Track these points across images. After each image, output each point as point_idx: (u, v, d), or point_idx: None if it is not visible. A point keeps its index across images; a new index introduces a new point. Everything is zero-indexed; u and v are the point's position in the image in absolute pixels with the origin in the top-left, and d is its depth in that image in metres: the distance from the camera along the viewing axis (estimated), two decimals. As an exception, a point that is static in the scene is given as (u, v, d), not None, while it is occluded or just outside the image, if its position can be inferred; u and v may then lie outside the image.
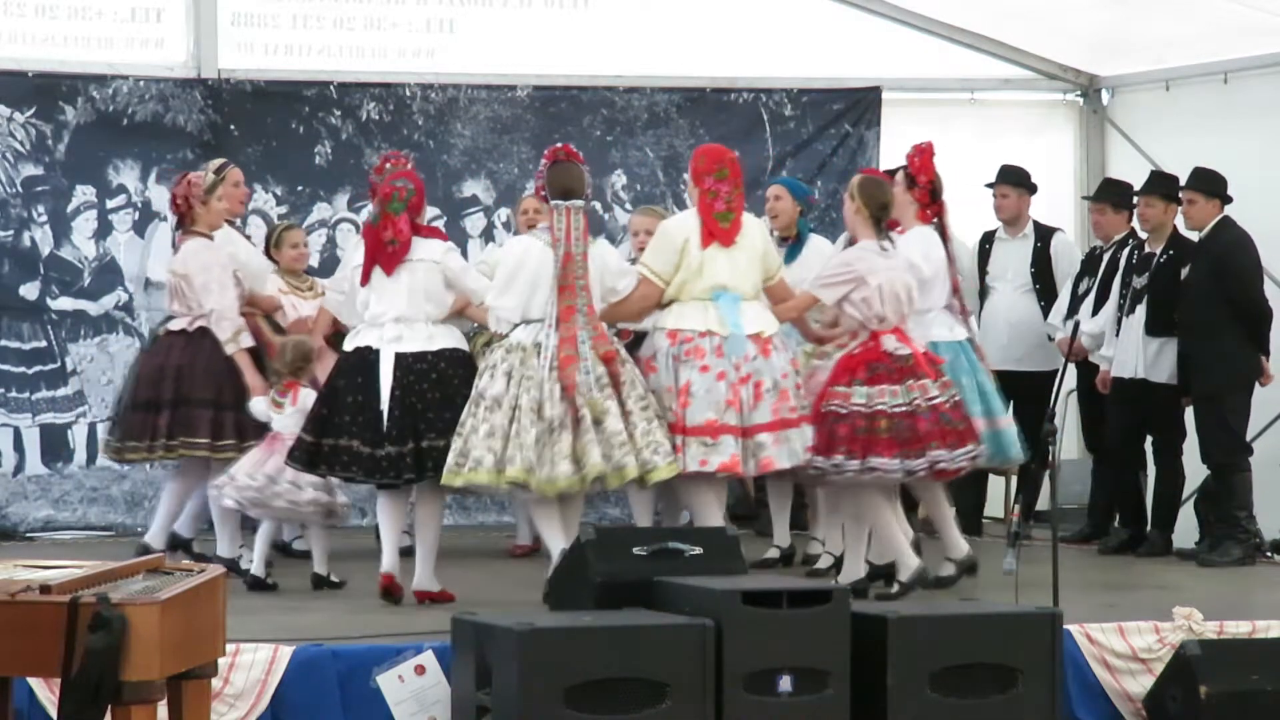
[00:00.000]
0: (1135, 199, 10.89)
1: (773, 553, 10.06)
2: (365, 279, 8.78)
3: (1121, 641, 7.88)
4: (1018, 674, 7.05)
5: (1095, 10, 12.06)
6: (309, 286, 10.39)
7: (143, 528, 11.15)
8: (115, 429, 9.79)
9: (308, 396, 8.99)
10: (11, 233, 11.73)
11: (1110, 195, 11.22)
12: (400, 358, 8.65)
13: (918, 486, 9.08)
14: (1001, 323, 11.39)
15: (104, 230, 11.85)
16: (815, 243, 10.20)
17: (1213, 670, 7.58)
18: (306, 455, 8.71)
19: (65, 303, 11.80)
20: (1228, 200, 10.39)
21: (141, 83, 11.87)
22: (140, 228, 11.90)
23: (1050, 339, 11.18)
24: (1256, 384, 10.42)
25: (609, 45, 12.54)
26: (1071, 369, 10.61)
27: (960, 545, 9.09)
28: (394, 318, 8.71)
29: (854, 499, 8.93)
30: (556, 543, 8.47)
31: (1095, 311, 10.84)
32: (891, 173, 9.87)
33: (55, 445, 11.77)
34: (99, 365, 11.82)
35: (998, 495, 11.97)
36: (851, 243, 9.17)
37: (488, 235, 12.31)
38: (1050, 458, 8.14)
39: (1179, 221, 10.59)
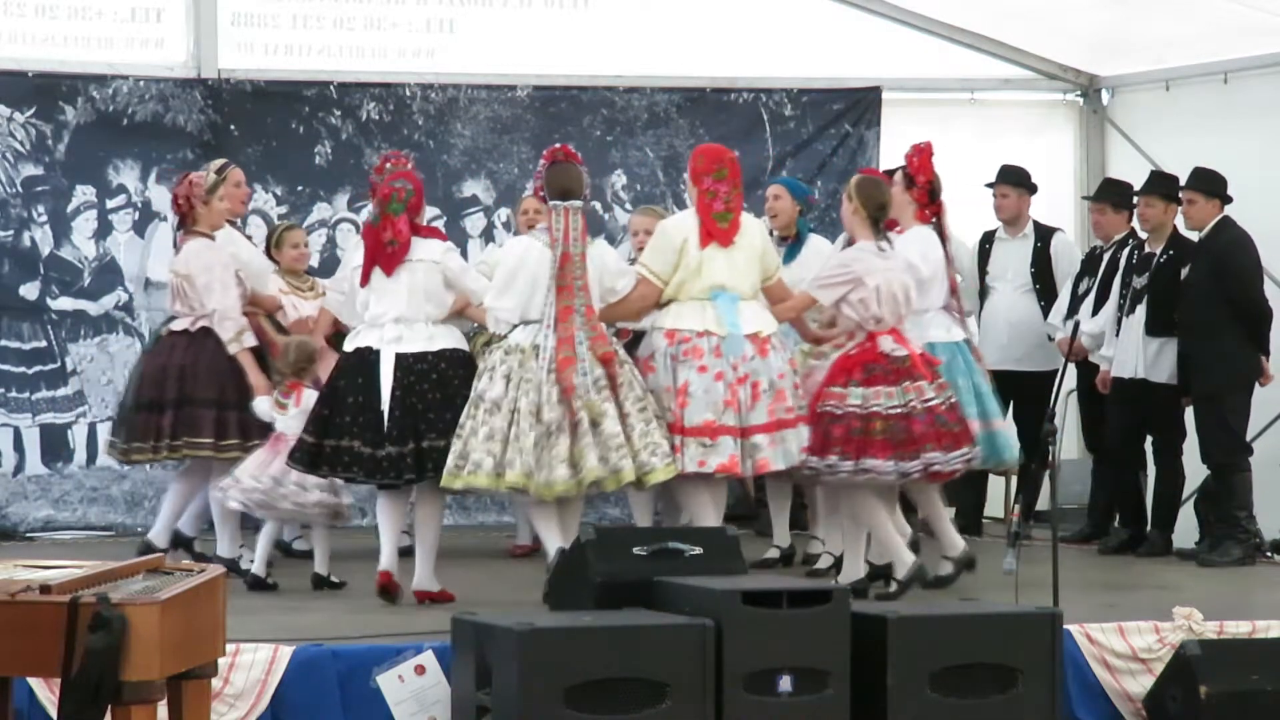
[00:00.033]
0: (1135, 199, 10.89)
1: (773, 553, 10.06)
2: (365, 280, 8.78)
3: (1121, 641, 7.88)
4: (1018, 674, 7.05)
5: (1095, 10, 12.06)
6: (309, 286, 10.39)
7: (143, 527, 11.16)
8: (120, 431, 9.78)
9: (311, 397, 9.00)
10: (11, 233, 11.73)
11: (1110, 195, 11.22)
12: (401, 358, 8.66)
13: (912, 488, 9.08)
14: (1001, 323, 11.39)
15: (104, 230, 11.85)
16: (814, 243, 10.20)
17: (1213, 670, 7.58)
18: (308, 456, 8.72)
19: (65, 303, 11.80)
20: (1228, 200, 10.39)
21: (141, 83, 11.87)
22: (140, 228, 11.90)
23: (1050, 339, 11.19)
24: (1256, 384, 10.42)
25: (609, 45, 12.54)
26: (1071, 369, 10.61)
27: (957, 543, 9.09)
28: (394, 318, 8.71)
29: (850, 499, 8.93)
30: (554, 543, 8.48)
31: (1095, 311, 10.84)
32: (890, 173, 9.87)
33: (55, 445, 11.77)
34: (99, 365, 11.82)
35: (998, 495, 11.97)
36: (850, 243, 9.17)
37: (488, 235, 12.31)
38: (1050, 458, 8.14)
39: (1179, 221, 10.59)
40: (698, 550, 7.51)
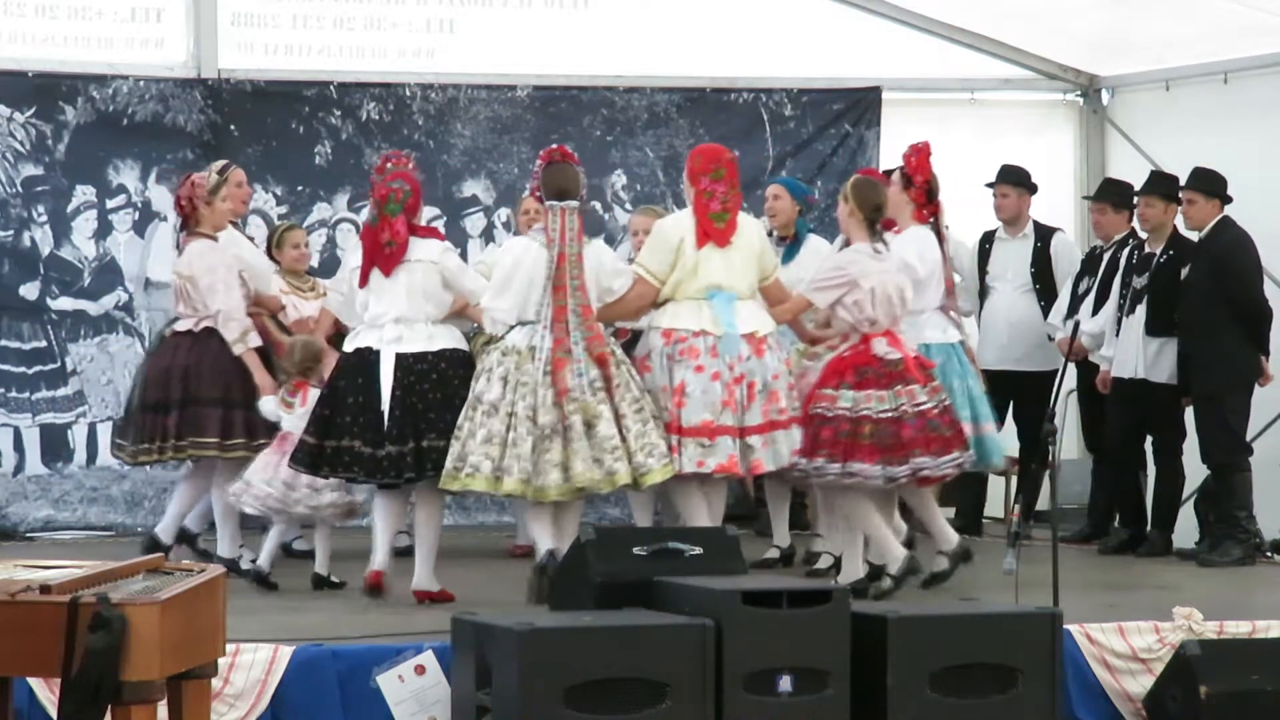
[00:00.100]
0: (1135, 199, 10.89)
1: (773, 553, 10.06)
2: (364, 280, 8.79)
3: (1121, 641, 7.88)
4: (1018, 674, 7.05)
5: (1095, 10, 12.06)
6: (310, 287, 10.39)
7: (143, 527, 11.18)
8: (126, 433, 9.77)
9: (316, 396, 9.01)
10: (11, 233, 11.73)
11: (1110, 195, 11.22)
12: (401, 358, 8.66)
13: (903, 489, 9.07)
14: (1001, 323, 11.40)
15: (104, 230, 11.85)
16: (813, 243, 10.20)
17: (1213, 670, 7.58)
18: (309, 457, 8.73)
19: (65, 303, 11.80)
20: (1228, 200, 10.39)
21: (141, 83, 11.87)
22: (140, 228, 11.90)
23: (1050, 339, 11.18)
24: (1256, 384, 10.42)
25: (609, 45, 12.54)
26: (1071, 369, 10.61)
27: (950, 537, 9.08)
28: (394, 318, 8.72)
29: (841, 499, 8.94)
30: (545, 543, 8.52)
31: (1095, 311, 10.84)
32: (889, 173, 9.87)
33: (55, 445, 11.77)
34: (99, 365, 11.82)
35: (998, 495, 11.97)
36: (847, 244, 9.17)
37: (488, 235, 12.31)
38: (1050, 458, 8.14)
39: (1179, 221, 10.59)
40: (698, 550, 7.50)
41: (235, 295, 9.56)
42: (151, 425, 9.50)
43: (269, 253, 10.46)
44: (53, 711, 6.64)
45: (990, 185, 11.51)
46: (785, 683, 6.81)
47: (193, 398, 9.45)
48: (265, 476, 9.06)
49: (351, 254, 9.11)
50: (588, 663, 6.62)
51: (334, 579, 9.13)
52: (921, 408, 8.77)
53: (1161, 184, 10.74)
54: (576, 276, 8.58)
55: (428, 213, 11.40)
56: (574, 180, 8.73)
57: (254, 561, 9.47)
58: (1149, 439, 10.84)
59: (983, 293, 11.49)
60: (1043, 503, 10.64)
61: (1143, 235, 10.86)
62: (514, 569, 10.05)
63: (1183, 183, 10.50)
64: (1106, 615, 8.13)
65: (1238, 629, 8.00)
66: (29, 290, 11.76)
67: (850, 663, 6.88)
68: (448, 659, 7.15)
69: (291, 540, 10.34)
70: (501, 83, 12.40)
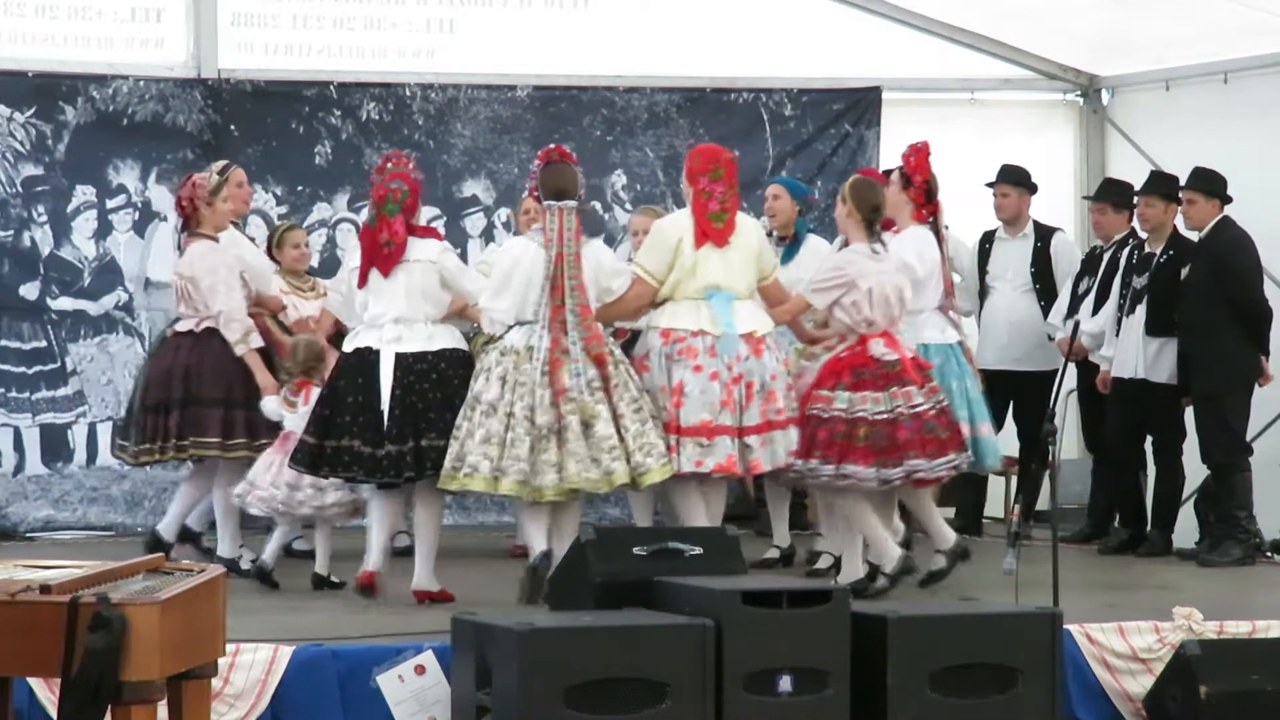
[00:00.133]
0: (1135, 199, 10.89)
1: (773, 553, 10.06)
2: (362, 281, 8.80)
3: (1121, 641, 7.88)
4: (1018, 674, 7.05)
5: (1095, 10, 12.06)
6: (310, 287, 10.40)
7: (143, 527, 11.18)
8: (128, 434, 9.77)
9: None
10: (11, 233, 11.73)
11: (1110, 195, 11.22)
12: (400, 358, 8.67)
13: (900, 491, 9.06)
14: (1001, 322, 11.40)
15: (104, 230, 11.85)
16: (813, 243, 10.20)
17: (1213, 670, 7.58)
18: (309, 457, 8.74)
19: (65, 303, 11.80)
20: (1228, 200, 10.39)
21: (141, 83, 11.87)
22: (140, 228, 11.90)
23: (1050, 339, 11.18)
24: (1256, 384, 10.42)
25: (609, 45, 12.54)
26: (1071, 369, 10.61)
27: (947, 536, 9.08)
28: (393, 318, 8.72)
29: (838, 498, 8.93)
30: (538, 544, 8.53)
31: (1095, 311, 10.84)
32: (889, 173, 9.87)
33: (55, 445, 11.77)
34: (99, 365, 11.82)
35: (998, 495, 11.97)
36: (847, 244, 9.18)
37: (488, 235, 12.31)
38: (1050, 458, 8.14)
39: (1179, 221, 10.59)
40: (698, 550, 7.50)
41: (236, 296, 9.56)
42: (153, 425, 9.51)
43: (269, 253, 10.46)
44: (53, 711, 6.64)
45: (990, 185, 11.51)
46: (785, 683, 6.81)
47: (194, 398, 9.45)
48: (269, 478, 9.08)
49: (351, 254, 9.11)
50: (588, 663, 6.62)
51: (334, 579, 9.13)
52: (917, 409, 8.77)
53: (1161, 184, 10.74)
54: (574, 276, 8.58)
55: (428, 213, 11.41)
56: (572, 180, 8.73)
57: (254, 561, 9.48)
58: (1149, 439, 10.84)
59: (983, 292, 11.49)
60: (1043, 503, 10.64)
61: (1143, 235, 10.86)
62: (514, 569, 10.02)
63: (1183, 183, 10.50)
64: (1106, 615, 8.13)
65: (1238, 629, 8.00)
66: (29, 290, 11.76)
67: (850, 663, 6.88)
68: (448, 659, 7.15)
69: (291, 540, 10.33)
70: (501, 83, 12.40)
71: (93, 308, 11.83)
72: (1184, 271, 10.43)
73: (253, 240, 10.56)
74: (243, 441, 9.40)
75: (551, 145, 9.00)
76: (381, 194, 8.81)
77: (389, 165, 9.14)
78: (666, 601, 7.08)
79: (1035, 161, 11.97)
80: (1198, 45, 11.99)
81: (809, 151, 12.68)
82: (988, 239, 11.55)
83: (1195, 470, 10.60)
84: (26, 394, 11.73)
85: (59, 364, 11.78)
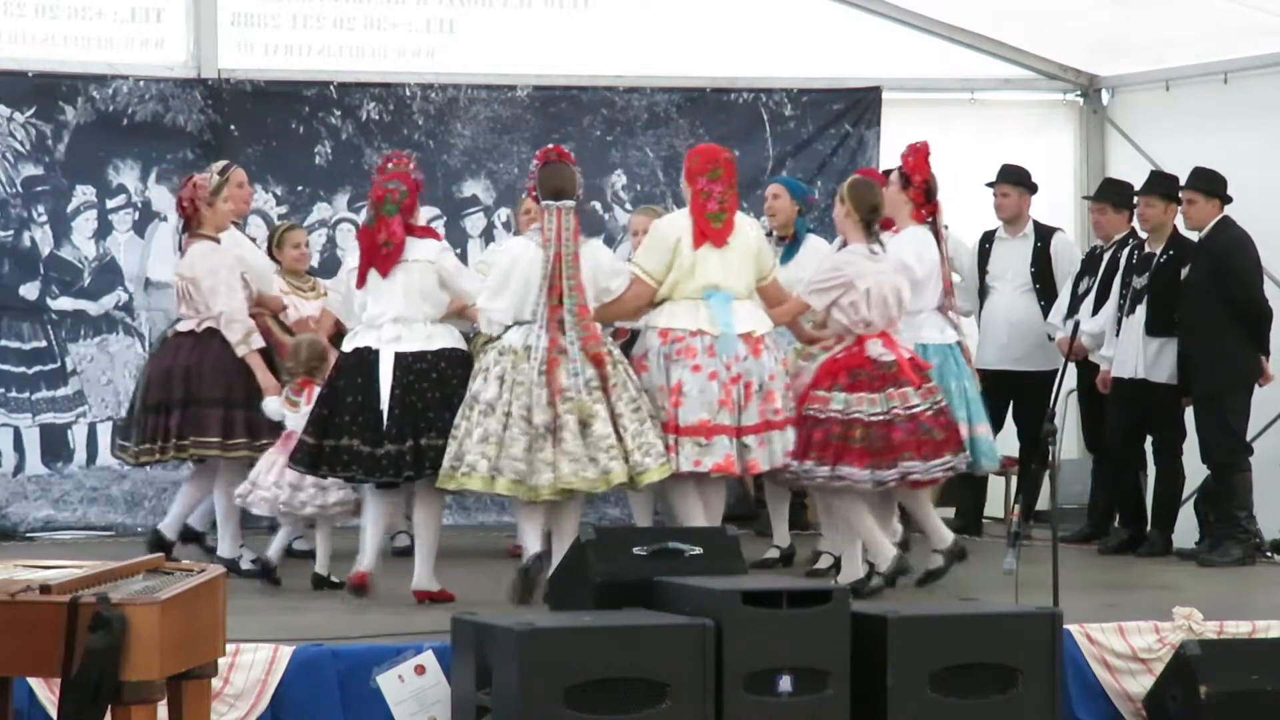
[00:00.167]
0: (1135, 199, 10.89)
1: (773, 553, 10.06)
2: (361, 281, 8.81)
3: (1121, 641, 7.88)
4: (1018, 674, 7.05)
5: (1095, 10, 12.06)
6: (310, 286, 10.40)
7: (143, 527, 11.18)
8: (129, 434, 9.77)
9: None
10: (11, 233, 11.72)
11: (1111, 195, 11.22)
12: (400, 357, 8.67)
13: (897, 491, 9.06)
14: (1001, 322, 11.40)
15: (104, 230, 11.85)
16: (812, 242, 10.20)
17: (1213, 670, 7.58)
18: (308, 457, 8.75)
19: (65, 303, 11.79)
20: (1228, 200, 10.39)
21: (141, 83, 11.86)
22: (140, 228, 11.89)
23: (1050, 339, 11.18)
24: (1256, 384, 10.42)
25: (609, 45, 12.54)
26: (1071, 369, 10.61)
27: (945, 536, 9.08)
28: (392, 318, 8.73)
29: (835, 498, 8.93)
30: (533, 544, 8.53)
31: (1095, 311, 10.84)
32: (889, 173, 9.87)
33: (55, 445, 11.76)
34: (99, 365, 11.82)
35: (998, 495, 11.97)
36: (845, 245, 9.18)
37: (488, 235, 12.30)
38: (1050, 458, 8.14)
39: (1179, 221, 10.59)
40: (698, 550, 7.51)
41: (238, 297, 9.56)
42: (153, 425, 9.51)
43: (269, 253, 10.46)
44: (53, 711, 6.64)
45: (991, 185, 11.51)
46: (785, 683, 6.81)
47: (194, 397, 9.45)
48: (272, 478, 9.08)
49: (350, 254, 9.12)
50: (588, 663, 6.62)
51: (334, 579, 9.12)
52: (913, 410, 8.77)
53: (1161, 184, 10.74)
54: (572, 276, 8.58)
55: (427, 213, 11.41)
56: (570, 180, 8.73)
57: (255, 561, 9.49)
58: (1149, 439, 10.84)
59: (983, 292, 11.49)
60: (1043, 503, 10.64)
61: (1143, 235, 10.86)
62: (514, 569, 10.05)
63: (1183, 183, 10.50)
64: (1106, 615, 8.13)
65: (1238, 629, 8.00)
66: (29, 290, 11.75)
67: (850, 663, 6.88)
68: (448, 659, 7.15)
69: (292, 540, 10.33)
70: (501, 83, 12.39)
71: (93, 308, 11.82)
72: (1184, 271, 10.43)
73: (253, 240, 10.56)
74: (243, 441, 9.40)
75: (550, 145, 9.01)
76: (379, 195, 8.83)
77: (389, 165, 9.15)
78: (666, 601, 7.08)
79: (1035, 161, 11.97)
80: (1198, 45, 11.99)
81: (809, 151, 12.68)
82: (988, 239, 11.55)
83: (1195, 470, 10.60)
84: (26, 394, 11.72)
85: (59, 364, 11.78)
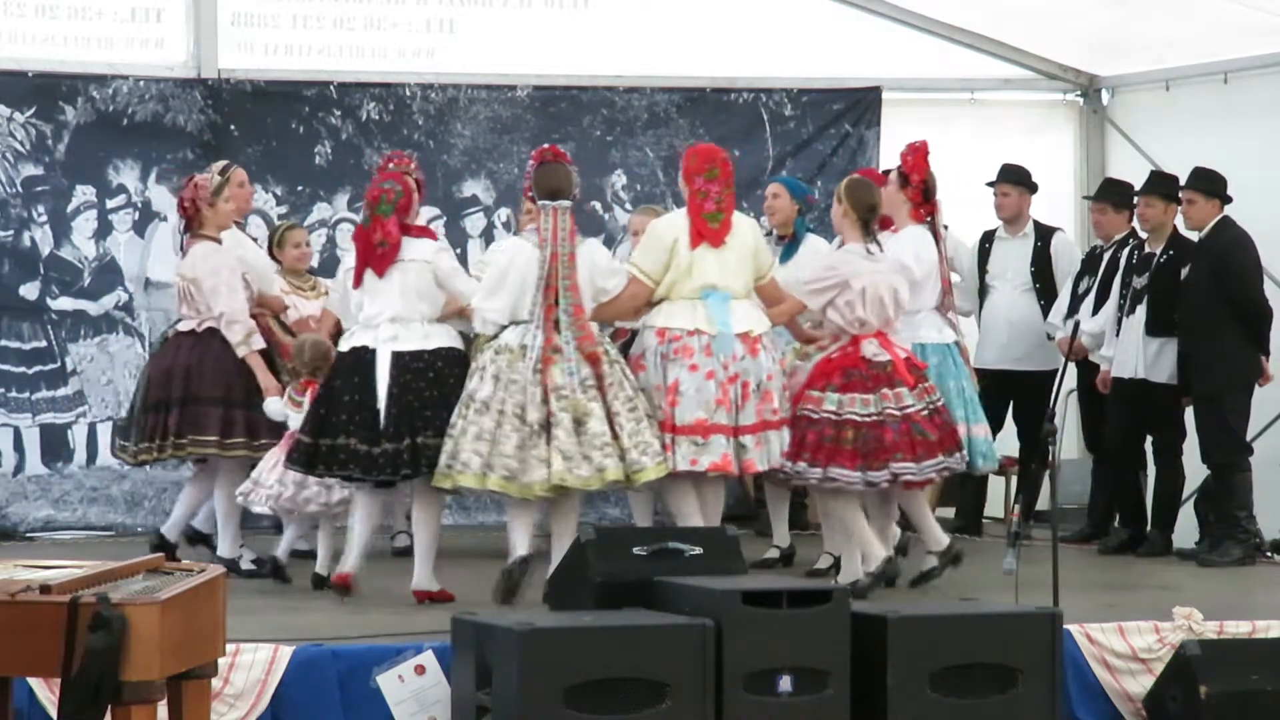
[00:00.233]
0: (1135, 199, 10.89)
1: (772, 553, 10.06)
2: (358, 281, 8.83)
3: (1121, 641, 7.88)
4: (1018, 674, 7.05)
5: (1095, 10, 12.06)
6: (311, 286, 10.40)
7: (143, 527, 11.19)
8: (128, 433, 9.78)
9: None
10: (11, 233, 11.72)
11: (1111, 195, 11.23)
12: (397, 356, 8.68)
13: (893, 492, 9.06)
14: (1001, 322, 11.40)
15: (104, 230, 11.85)
16: (812, 242, 10.19)
17: (1213, 670, 7.58)
18: (305, 456, 8.75)
19: (65, 303, 11.79)
20: (1228, 200, 10.39)
21: (141, 83, 11.86)
22: (140, 228, 11.89)
23: (1050, 338, 11.19)
24: (1256, 384, 10.42)
25: (609, 45, 12.54)
26: (1071, 369, 10.61)
27: (940, 539, 9.09)
28: (389, 318, 8.74)
29: (830, 498, 8.93)
30: (520, 546, 8.52)
31: (1095, 311, 10.84)
32: (888, 173, 9.87)
33: (55, 445, 11.76)
34: (99, 365, 11.81)
35: (998, 495, 11.97)
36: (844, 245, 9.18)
37: (488, 235, 12.30)
38: (1050, 458, 8.14)
39: (1179, 221, 10.59)
40: (698, 550, 7.51)
41: (239, 297, 9.55)
42: (152, 424, 9.51)
43: (270, 252, 10.46)
44: (53, 711, 6.64)
45: (991, 184, 11.51)
46: (785, 683, 6.81)
47: (193, 396, 9.45)
48: (275, 476, 9.08)
49: (349, 254, 9.12)
50: (588, 663, 6.63)
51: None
52: (907, 410, 8.77)
53: (1161, 184, 10.74)
54: (568, 276, 8.59)
55: (427, 212, 11.41)
56: (566, 179, 8.73)
57: (255, 561, 9.49)
58: (1149, 439, 10.84)
59: (983, 292, 11.49)
60: (1043, 503, 10.64)
61: (1143, 235, 10.86)
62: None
63: (1183, 183, 10.50)
64: (1106, 615, 8.13)
65: (1238, 629, 8.00)
66: (29, 290, 11.75)
67: (850, 663, 6.88)
68: (448, 659, 7.15)
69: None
70: (501, 83, 12.39)
71: (93, 308, 11.82)
72: (1184, 271, 10.43)
73: (254, 240, 10.56)
74: (241, 441, 9.40)
75: (546, 145, 9.01)
76: (375, 195, 8.85)
77: (391, 165, 9.15)
78: (666, 601, 7.08)
79: (1035, 161, 11.97)
80: (1198, 45, 11.99)
81: (809, 151, 12.68)
82: (988, 238, 11.55)
83: (1195, 470, 10.60)
84: (26, 394, 11.72)
85: (59, 364, 11.78)
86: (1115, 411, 10.79)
